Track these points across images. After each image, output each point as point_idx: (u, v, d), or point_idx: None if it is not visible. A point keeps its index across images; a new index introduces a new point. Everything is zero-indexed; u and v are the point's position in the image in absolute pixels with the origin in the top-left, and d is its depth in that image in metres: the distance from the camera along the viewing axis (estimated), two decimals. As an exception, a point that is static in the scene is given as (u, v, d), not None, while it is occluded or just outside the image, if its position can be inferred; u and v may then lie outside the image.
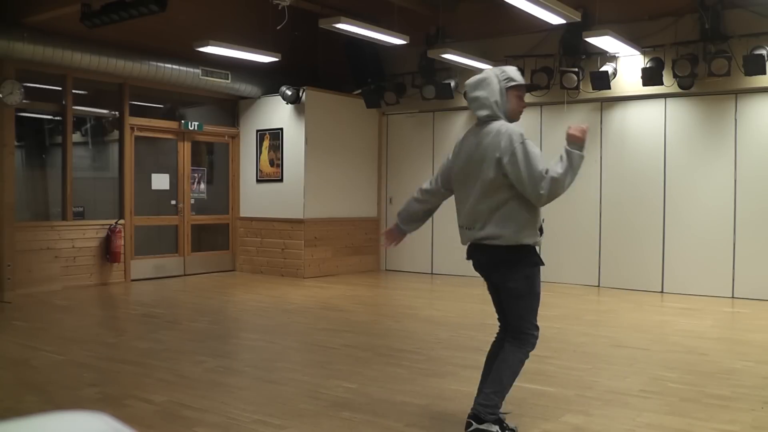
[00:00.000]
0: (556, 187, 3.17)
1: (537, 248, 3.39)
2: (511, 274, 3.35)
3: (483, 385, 3.39)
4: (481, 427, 3.27)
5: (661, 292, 8.57)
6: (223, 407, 3.89)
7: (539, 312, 3.46)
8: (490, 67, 9.42)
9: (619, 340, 5.81)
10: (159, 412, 3.81)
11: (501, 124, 3.29)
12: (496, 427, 3.28)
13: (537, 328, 3.42)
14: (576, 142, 3.25)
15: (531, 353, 3.43)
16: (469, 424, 3.31)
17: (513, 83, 3.33)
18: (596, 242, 9.05)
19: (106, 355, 5.25)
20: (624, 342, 5.75)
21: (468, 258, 3.55)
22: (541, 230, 3.39)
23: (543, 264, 3.41)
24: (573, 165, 3.19)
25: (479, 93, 3.33)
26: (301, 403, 4.00)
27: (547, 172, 3.15)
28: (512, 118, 3.37)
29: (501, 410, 3.37)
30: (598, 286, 9.02)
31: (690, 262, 8.41)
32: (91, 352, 5.31)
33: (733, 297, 8.10)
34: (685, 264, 8.45)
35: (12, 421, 1.01)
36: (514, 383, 3.40)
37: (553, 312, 7.23)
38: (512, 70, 3.39)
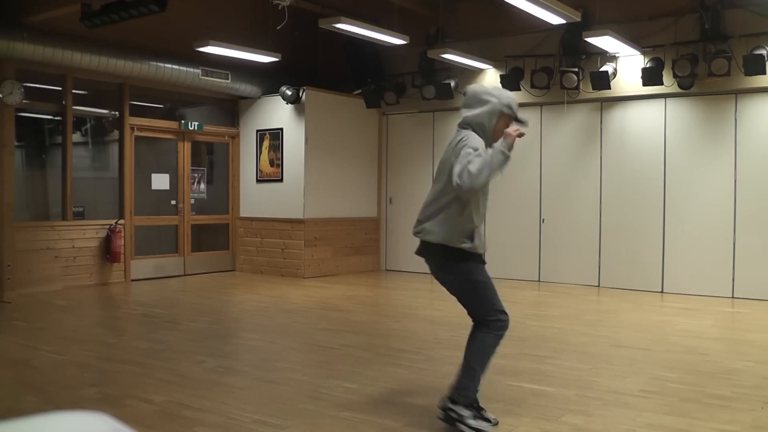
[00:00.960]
0: (471, 179, 3.25)
1: (474, 252, 3.57)
2: (447, 271, 3.68)
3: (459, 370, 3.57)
4: (452, 407, 3.46)
5: (661, 292, 8.57)
6: (223, 407, 3.90)
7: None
8: (490, 67, 9.51)
9: (619, 340, 5.81)
10: (159, 412, 3.81)
11: (469, 134, 3.47)
12: (468, 412, 3.44)
13: (501, 311, 3.58)
14: (506, 140, 3.31)
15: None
16: (443, 402, 3.52)
17: (508, 112, 3.49)
18: (596, 242, 9.05)
19: (106, 355, 5.25)
20: (624, 342, 5.75)
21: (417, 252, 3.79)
22: (471, 238, 3.53)
23: (482, 263, 3.69)
24: (492, 161, 3.26)
25: (477, 110, 3.51)
26: (301, 403, 4.00)
27: (469, 163, 3.28)
28: (494, 139, 3.46)
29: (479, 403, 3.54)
30: (598, 286, 9.02)
31: (690, 262, 8.41)
32: (91, 352, 5.31)
33: (733, 297, 8.10)
34: (685, 264, 8.45)
35: (12, 421, 1.01)
36: (487, 371, 3.59)
37: (553, 312, 7.24)
38: (514, 101, 3.56)
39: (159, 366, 4.85)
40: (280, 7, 8.01)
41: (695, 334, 6.10)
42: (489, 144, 3.48)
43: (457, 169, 3.30)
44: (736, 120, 8.13)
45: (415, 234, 3.72)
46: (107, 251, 8.96)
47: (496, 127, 3.48)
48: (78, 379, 4.51)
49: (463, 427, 3.43)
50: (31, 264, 8.23)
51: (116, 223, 9.07)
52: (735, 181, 8.13)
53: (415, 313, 7.23)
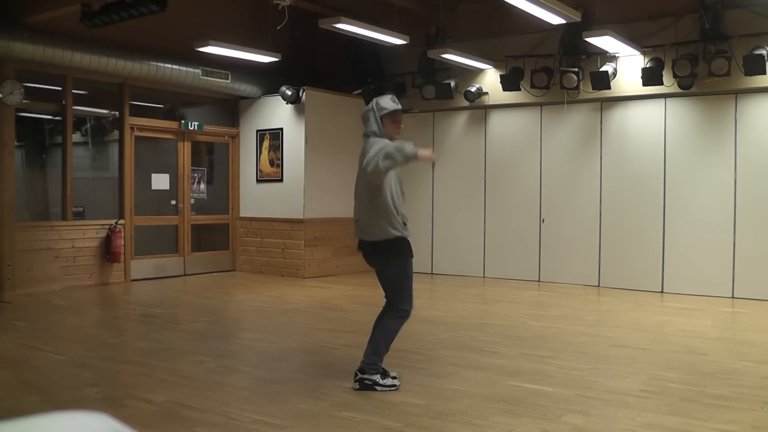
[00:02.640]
0: (384, 164, 3.98)
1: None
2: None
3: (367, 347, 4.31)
4: (365, 376, 4.20)
5: (661, 292, 8.57)
6: (223, 407, 3.90)
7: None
8: (490, 67, 9.51)
9: (619, 340, 5.81)
10: (159, 412, 3.81)
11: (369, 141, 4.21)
12: (377, 376, 4.20)
13: (410, 303, 4.38)
14: (420, 156, 4.12)
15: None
16: (355, 375, 4.25)
17: (384, 112, 4.18)
18: (596, 242, 9.05)
19: (106, 355, 5.25)
20: (624, 342, 5.74)
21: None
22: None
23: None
24: (405, 154, 4.00)
25: (365, 127, 4.26)
26: (301, 403, 4.00)
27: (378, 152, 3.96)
28: (392, 138, 4.20)
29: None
30: (598, 286, 9.02)
31: (690, 262, 8.41)
32: (91, 352, 5.32)
33: (733, 297, 8.10)
34: (685, 264, 8.45)
35: (12, 421, 1.01)
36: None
37: (553, 312, 7.24)
38: (384, 100, 4.22)
39: (159, 366, 4.85)
40: (280, 7, 8.01)
41: (695, 334, 6.10)
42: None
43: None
44: (736, 120, 8.13)
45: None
46: (107, 251, 8.96)
47: (386, 129, 4.21)
48: (78, 379, 4.51)
49: (379, 388, 4.18)
50: (31, 264, 8.23)
51: (116, 223, 9.07)
52: (735, 181, 8.13)
53: (415, 313, 7.17)
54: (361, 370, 4.23)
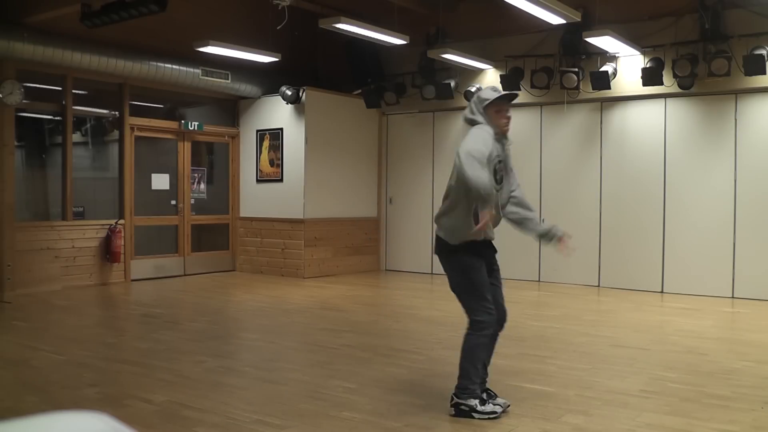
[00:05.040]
0: (466, 172, 3.48)
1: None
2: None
3: None
4: (460, 401, 3.73)
5: (661, 292, 8.57)
6: (223, 407, 3.90)
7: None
8: (490, 67, 9.51)
9: (619, 340, 5.80)
10: (159, 412, 3.81)
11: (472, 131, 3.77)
12: (475, 401, 3.70)
13: (486, 311, 3.85)
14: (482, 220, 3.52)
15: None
16: (451, 398, 3.78)
17: (486, 103, 3.73)
18: (596, 242, 9.05)
19: (106, 355, 5.25)
20: (624, 342, 5.74)
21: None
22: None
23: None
24: (482, 200, 3.46)
25: (471, 120, 3.80)
26: (301, 403, 4.00)
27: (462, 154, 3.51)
28: (500, 131, 3.76)
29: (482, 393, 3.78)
30: (598, 286, 9.01)
31: (690, 262, 8.41)
32: (91, 352, 5.31)
33: (733, 297, 8.10)
34: (685, 264, 8.45)
35: (12, 421, 1.01)
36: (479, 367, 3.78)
37: (553, 312, 7.24)
38: (485, 91, 3.81)
39: (159, 366, 4.85)
40: (280, 7, 8.01)
41: (695, 334, 6.10)
42: (497, 134, 3.73)
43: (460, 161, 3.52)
44: (736, 120, 8.13)
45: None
46: (107, 251, 8.95)
47: (493, 121, 3.73)
48: (78, 379, 4.51)
49: (477, 416, 3.66)
50: (31, 264, 8.23)
51: (116, 223, 9.07)
52: (735, 181, 8.13)
53: (415, 313, 7.23)
54: (456, 394, 3.77)
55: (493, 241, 3.91)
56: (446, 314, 7.01)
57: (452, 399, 3.76)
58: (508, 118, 3.78)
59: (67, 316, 7.01)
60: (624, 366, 4.92)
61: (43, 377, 4.57)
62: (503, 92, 3.80)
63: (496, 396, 3.84)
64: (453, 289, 3.90)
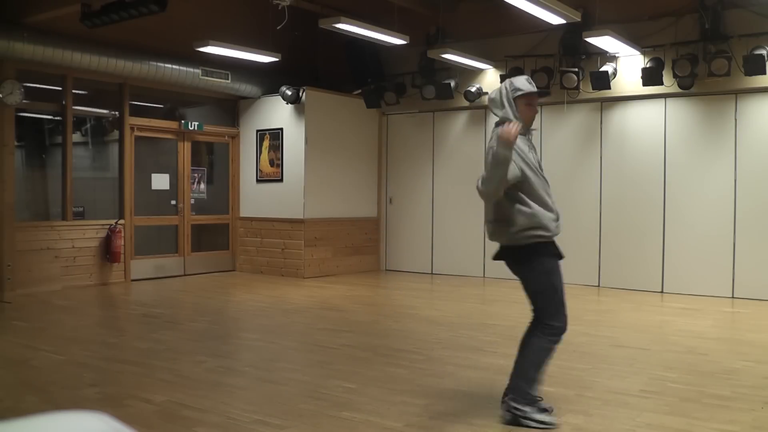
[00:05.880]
0: (484, 186, 3.50)
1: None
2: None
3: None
4: (514, 405, 3.54)
5: (661, 292, 8.57)
6: (223, 407, 3.90)
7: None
8: (490, 67, 9.51)
9: (619, 340, 5.80)
10: (159, 412, 3.81)
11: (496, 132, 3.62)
12: (529, 408, 3.53)
13: (563, 317, 3.75)
14: (502, 140, 3.36)
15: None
16: (503, 401, 3.67)
17: (519, 93, 3.62)
18: (596, 242, 9.05)
19: (106, 355, 5.25)
20: (624, 342, 5.74)
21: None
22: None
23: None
24: (496, 162, 3.37)
25: (498, 113, 3.72)
26: (301, 403, 4.00)
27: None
28: (525, 124, 3.65)
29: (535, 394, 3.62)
30: (598, 286, 9.01)
31: (690, 262, 8.41)
32: (91, 352, 5.32)
33: (733, 297, 8.10)
34: (685, 264, 8.45)
35: (12, 421, 1.01)
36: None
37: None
38: (520, 80, 3.68)
39: (159, 366, 4.85)
40: (280, 7, 8.01)
41: (695, 334, 6.10)
42: (526, 129, 3.67)
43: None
44: (736, 120, 8.13)
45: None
46: (107, 251, 8.95)
47: (520, 113, 3.63)
48: (78, 379, 4.51)
49: (531, 423, 3.52)
50: (31, 264, 8.23)
51: (116, 223, 9.07)
52: (735, 181, 8.13)
53: (415, 313, 7.22)
54: (513, 398, 3.58)
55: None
56: (446, 314, 7.01)
57: (504, 400, 3.64)
58: (536, 111, 3.74)
59: (67, 316, 7.01)
60: (624, 366, 4.92)
61: (43, 377, 4.57)
62: (536, 88, 3.71)
63: (541, 404, 3.66)
64: (529, 288, 3.72)
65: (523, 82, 3.66)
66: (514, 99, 3.62)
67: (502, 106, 3.65)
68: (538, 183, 3.58)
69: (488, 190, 3.46)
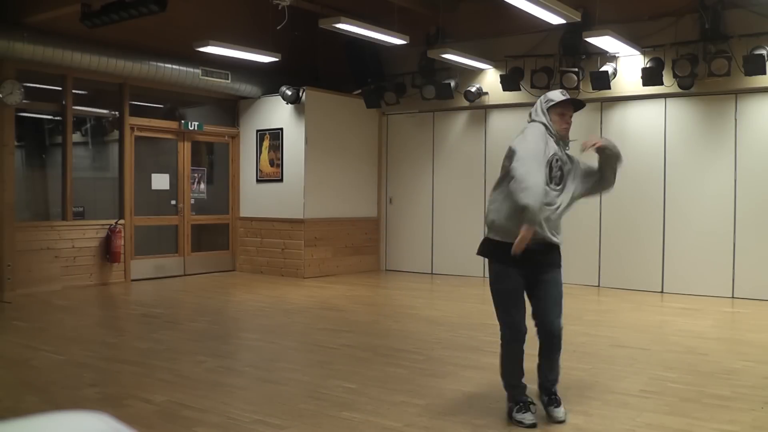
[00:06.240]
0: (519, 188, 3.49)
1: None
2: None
3: None
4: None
5: (661, 292, 8.57)
6: (223, 407, 3.90)
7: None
8: (490, 67, 9.51)
9: (619, 340, 5.80)
10: (159, 412, 3.81)
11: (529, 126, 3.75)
12: (512, 404, 3.72)
13: (505, 324, 3.86)
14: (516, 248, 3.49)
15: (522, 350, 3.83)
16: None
17: (551, 103, 3.70)
18: (596, 242, 9.05)
19: (106, 355, 5.25)
20: (624, 342, 5.74)
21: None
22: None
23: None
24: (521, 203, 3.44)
25: (533, 115, 3.78)
26: (301, 403, 4.00)
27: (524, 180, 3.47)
28: (559, 135, 3.71)
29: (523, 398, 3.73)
30: (598, 286, 9.01)
31: (690, 262, 8.41)
32: (91, 352, 5.31)
33: (733, 297, 8.10)
34: (685, 264, 8.45)
35: (12, 421, 1.01)
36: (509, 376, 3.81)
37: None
38: (553, 92, 3.79)
39: (159, 366, 4.85)
40: (280, 7, 8.01)
41: (695, 334, 6.10)
42: (556, 137, 3.69)
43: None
44: (736, 120, 8.13)
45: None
46: (107, 251, 8.95)
47: (554, 124, 3.69)
48: (78, 379, 4.51)
49: (511, 419, 3.68)
50: (31, 264, 8.23)
51: (116, 223, 9.06)
52: (735, 181, 8.12)
53: (415, 313, 7.22)
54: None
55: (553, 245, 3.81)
56: (446, 314, 7.01)
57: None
58: (569, 123, 3.75)
59: (67, 316, 7.01)
60: (624, 366, 4.92)
61: (43, 377, 4.57)
62: (570, 98, 3.76)
63: (558, 404, 3.71)
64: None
65: (556, 94, 3.75)
66: (547, 110, 3.70)
67: (537, 114, 3.74)
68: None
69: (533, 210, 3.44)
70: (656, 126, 8.64)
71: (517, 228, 3.46)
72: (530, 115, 3.80)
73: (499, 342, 3.84)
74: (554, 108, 3.69)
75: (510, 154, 3.55)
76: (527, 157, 3.47)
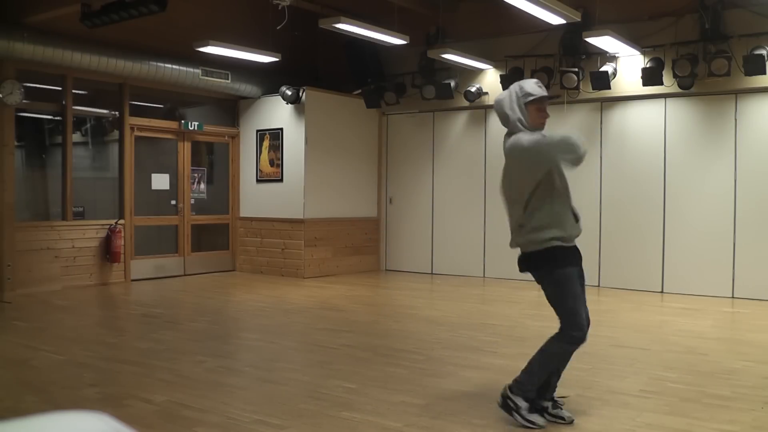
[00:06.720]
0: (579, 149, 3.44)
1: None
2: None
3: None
4: (510, 395, 3.59)
5: (661, 292, 8.57)
6: (223, 407, 3.90)
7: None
8: (490, 67, 9.51)
9: (619, 340, 5.80)
10: (159, 412, 3.81)
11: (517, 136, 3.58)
12: (525, 404, 3.55)
13: (575, 326, 3.64)
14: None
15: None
16: (503, 390, 3.65)
17: (531, 98, 3.55)
18: (596, 242, 9.05)
19: (106, 355, 5.25)
20: (624, 342, 5.74)
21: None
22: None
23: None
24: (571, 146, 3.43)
25: (507, 120, 3.61)
26: (301, 403, 4.00)
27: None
28: (535, 129, 3.58)
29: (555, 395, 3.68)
30: (598, 286, 9.01)
31: (690, 262, 8.41)
32: (91, 352, 5.31)
33: (733, 297, 8.10)
34: (685, 264, 8.45)
35: (12, 421, 1.01)
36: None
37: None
38: (529, 85, 3.61)
39: (159, 366, 4.85)
40: (280, 7, 8.01)
41: (695, 334, 6.10)
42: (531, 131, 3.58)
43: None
44: (736, 120, 8.13)
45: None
46: (107, 251, 8.95)
47: (530, 117, 3.57)
48: (78, 379, 4.51)
49: (517, 417, 3.55)
50: (31, 264, 8.23)
51: (116, 223, 9.07)
52: (735, 181, 8.13)
53: (415, 313, 7.23)
54: (510, 388, 3.62)
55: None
56: (446, 314, 7.01)
57: (504, 389, 3.63)
58: (547, 116, 3.64)
59: (67, 316, 7.01)
60: (624, 366, 4.92)
61: (43, 377, 4.57)
62: (546, 93, 3.65)
63: (561, 407, 3.67)
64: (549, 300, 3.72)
65: (534, 87, 3.59)
66: (525, 104, 3.55)
67: (511, 111, 3.57)
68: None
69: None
70: (656, 126, 8.64)
71: (571, 228, 3.54)
72: (506, 115, 3.59)
73: (555, 343, 3.63)
74: (533, 103, 3.56)
75: (520, 155, 3.50)
76: (536, 138, 3.46)
